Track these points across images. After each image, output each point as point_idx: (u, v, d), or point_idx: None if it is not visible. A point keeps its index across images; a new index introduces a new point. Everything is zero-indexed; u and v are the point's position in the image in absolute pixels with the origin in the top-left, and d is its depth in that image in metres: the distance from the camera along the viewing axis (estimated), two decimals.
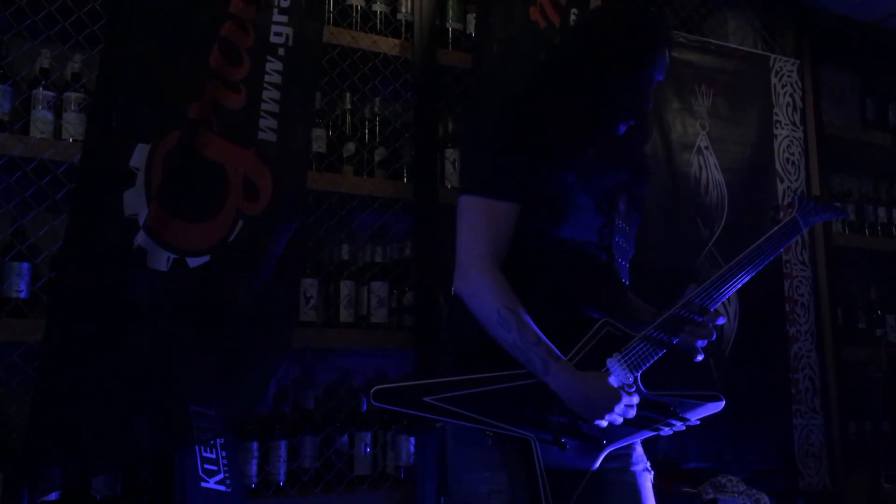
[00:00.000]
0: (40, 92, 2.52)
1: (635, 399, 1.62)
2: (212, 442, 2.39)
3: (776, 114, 3.79)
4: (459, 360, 1.73)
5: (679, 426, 1.73)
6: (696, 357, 1.70)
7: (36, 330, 2.30)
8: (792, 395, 3.56)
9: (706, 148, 3.58)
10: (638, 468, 1.77)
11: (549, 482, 1.57)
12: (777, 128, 3.78)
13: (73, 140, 2.50)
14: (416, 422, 2.76)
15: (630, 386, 1.65)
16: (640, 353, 1.66)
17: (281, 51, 2.59)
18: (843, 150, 4.15)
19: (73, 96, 2.55)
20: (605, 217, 1.74)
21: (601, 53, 1.71)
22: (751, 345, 3.49)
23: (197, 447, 2.36)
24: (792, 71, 3.87)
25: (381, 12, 3.09)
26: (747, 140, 3.70)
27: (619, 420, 1.61)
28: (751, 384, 3.46)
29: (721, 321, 1.73)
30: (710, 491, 3.00)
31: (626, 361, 1.65)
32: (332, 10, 2.98)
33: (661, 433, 1.74)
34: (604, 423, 1.61)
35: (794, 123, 3.83)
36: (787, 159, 3.78)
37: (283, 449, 2.70)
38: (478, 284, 1.62)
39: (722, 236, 3.51)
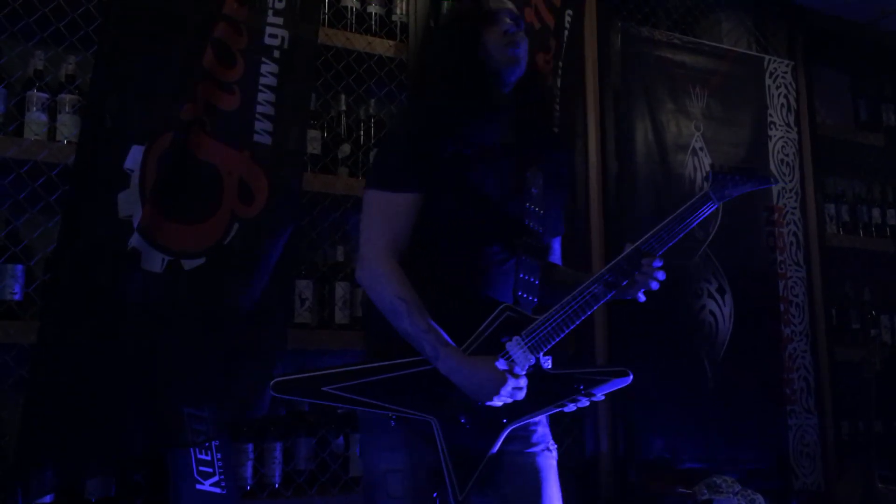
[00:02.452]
0: (34, 94, 2.52)
1: (522, 382, 1.68)
2: (207, 444, 2.39)
3: (770, 115, 3.80)
4: (369, 347, 1.81)
5: (584, 402, 1.76)
6: (640, 298, 1.78)
7: (30, 332, 2.30)
8: (786, 395, 3.57)
9: (701, 149, 3.59)
10: (538, 448, 1.82)
11: (452, 462, 1.65)
12: (771, 129, 3.79)
13: (68, 142, 2.50)
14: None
15: (521, 368, 1.70)
16: (544, 333, 1.71)
17: (276, 53, 2.59)
18: (836, 150, 4.17)
19: (67, 98, 2.55)
20: (510, 200, 1.80)
21: (456, 18, 1.89)
22: (745, 345, 3.50)
23: (192, 449, 2.36)
24: (786, 72, 3.88)
25: (376, 14, 3.09)
26: (742, 141, 3.71)
27: (509, 401, 1.67)
28: (745, 384, 3.47)
29: (658, 264, 1.77)
30: (705, 491, 3.01)
31: (527, 343, 1.71)
32: (327, 11, 2.98)
33: (566, 409, 1.77)
34: (496, 405, 1.67)
35: (788, 124, 3.84)
36: (782, 160, 3.79)
37: (278, 451, 2.70)
38: (375, 275, 1.71)
39: (717, 237, 3.52)
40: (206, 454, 2.40)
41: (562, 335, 1.73)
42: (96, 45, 2.47)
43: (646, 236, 1.78)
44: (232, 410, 2.44)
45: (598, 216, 3.33)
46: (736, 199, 3.60)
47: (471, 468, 1.68)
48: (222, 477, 2.41)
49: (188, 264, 2.38)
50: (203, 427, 2.35)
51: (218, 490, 2.39)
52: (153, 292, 2.33)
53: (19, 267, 2.45)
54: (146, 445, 2.33)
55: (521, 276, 1.80)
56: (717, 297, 3.50)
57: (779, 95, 3.84)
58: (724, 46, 3.83)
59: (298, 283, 2.78)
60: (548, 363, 1.76)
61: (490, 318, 1.71)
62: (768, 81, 3.83)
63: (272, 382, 1.61)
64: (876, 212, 4.27)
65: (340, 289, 2.87)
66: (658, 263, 1.77)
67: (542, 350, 1.72)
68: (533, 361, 1.72)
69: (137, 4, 2.43)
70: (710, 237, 3.52)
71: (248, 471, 2.65)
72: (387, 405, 1.65)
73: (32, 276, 2.49)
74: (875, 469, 3.34)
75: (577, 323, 1.74)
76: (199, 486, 2.35)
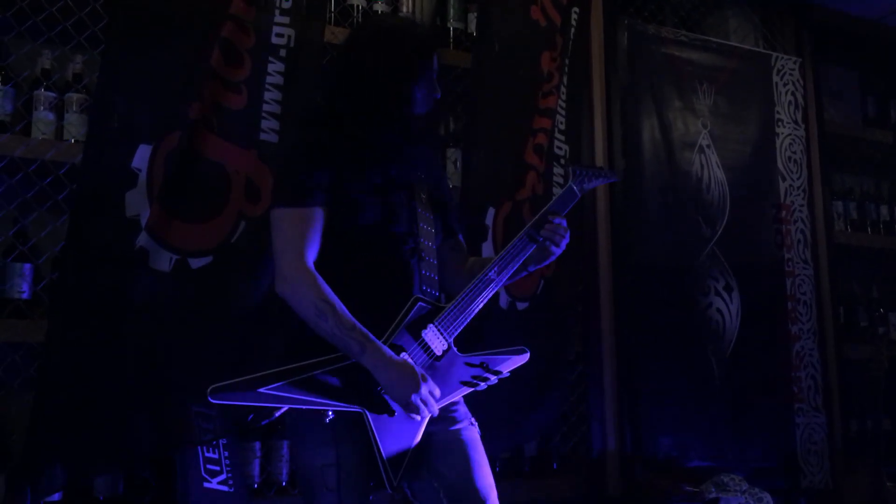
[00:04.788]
0: (42, 93, 2.52)
1: (436, 390, 1.80)
2: (214, 442, 2.40)
3: (778, 112, 3.79)
4: (289, 353, 1.86)
5: (493, 380, 1.92)
6: (554, 249, 1.97)
7: (38, 331, 2.30)
8: (794, 393, 3.57)
9: (708, 146, 3.58)
10: (463, 424, 1.94)
11: (384, 450, 1.74)
12: (779, 126, 3.78)
13: (75, 141, 2.50)
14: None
15: (442, 350, 1.85)
16: (452, 318, 1.87)
17: (282, 52, 2.59)
18: (844, 147, 4.16)
19: (74, 97, 2.55)
20: (405, 207, 1.93)
21: (379, 66, 1.89)
22: (753, 343, 3.50)
23: (199, 447, 2.36)
24: (793, 69, 3.87)
25: (382, 12, 3.08)
26: (749, 138, 3.70)
27: (422, 405, 1.76)
28: (753, 383, 3.47)
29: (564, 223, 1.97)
30: (713, 489, 3.00)
31: (440, 328, 1.86)
32: (333, 9, 2.98)
33: (479, 388, 1.92)
34: (416, 414, 1.76)
35: (795, 121, 3.83)
36: (790, 157, 3.78)
37: (285, 448, 2.70)
38: (295, 285, 1.79)
39: (724, 235, 3.52)
40: (214, 452, 2.40)
41: (469, 318, 1.89)
42: (103, 44, 2.48)
43: (528, 225, 1.98)
44: (240, 408, 2.44)
45: (604, 213, 3.33)
46: (743, 196, 3.61)
47: (402, 454, 1.78)
48: (230, 475, 2.42)
49: (195, 263, 2.38)
50: (211, 425, 2.36)
51: (225, 488, 2.39)
52: (161, 291, 2.33)
53: (27, 266, 2.46)
54: (154, 444, 2.33)
55: (424, 272, 1.92)
56: (725, 294, 3.49)
57: (786, 93, 3.83)
58: (732, 44, 3.82)
59: None
60: (455, 349, 1.90)
61: (405, 309, 1.84)
62: (776, 79, 3.82)
63: (209, 389, 1.65)
64: (884, 209, 4.26)
65: None
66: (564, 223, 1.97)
67: (453, 334, 1.87)
68: (446, 346, 1.86)
69: (144, 4, 2.43)
70: (718, 235, 3.51)
71: (256, 469, 2.65)
72: (320, 400, 1.72)
73: (40, 275, 2.50)
74: (883, 467, 3.33)
75: (482, 304, 1.91)
76: (206, 485, 2.36)
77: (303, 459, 1.85)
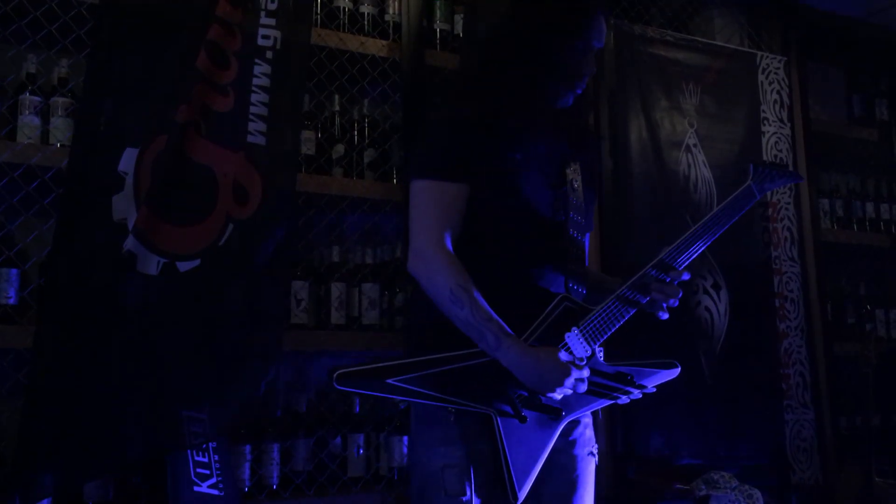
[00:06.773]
0: (27, 97, 2.51)
1: (585, 373, 1.66)
2: (204, 446, 2.39)
3: (763, 111, 3.81)
4: (416, 341, 1.76)
5: (636, 394, 1.77)
6: (661, 315, 1.76)
7: (25, 336, 2.29)
8: (783, 390, 3.58)
9: (695, 146, 3.59)
10: (583, 451, 1.82)
11: (510, 457, 1.62)
12: (765, 125, 3.80)
13: (61, 145, 2.49)
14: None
15: (581, 360, 1.69)
16: (599, 324, 1.70)
17: (269, 53, 2.59)
18: (830, 145, 4.18)
19: (60, 101, 2.54)
20: (555, 192, 1.79)
21: (539, 26, 1.74)
22: (741, 341, 3.51)
23: (189, 451, 2.36)
24: (779, 68, 3.89)
25: (368, 14, 3.08)
26: (735, 137, 3.71)
27: (570, 392, 1.65)
28: (742, 380, 3.47)
29: (686, 277, 1.78)
30: (703, 487, 3.01)
31: (584, 334, 1.70)
32: (319, 11, 2.98)
33: (619, 402, 1.78)
34: (557, 397, 1.65)
35: (781, 120, 3.85)
36: (776, 156, 3.79)
37: (275, 452, 2.70)
38: (431, 265, 1.65)
39: None
40: (203, 456, 2.39)
41: (615, 327, 1.73)
42: (89, 47, 2.47)
43: (682, 237, 1.84)
44: (230, 411, 2.44)
45: (593, 214, 3.33)
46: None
47: (529, 464, 1.65)
48: (220, 478, 2.41)
49: (183, 266, 2.38)
50: (200, 429, 2.35)
51: (215, 492, 2.38)
52: (149, 295, 2.32)
53: (14, 271, 2.44)
54: (144, 448, 2.32)
55: (571, 268, 1.78)
56: (713, 293, 3.50)
57: (771, 91, 3.85)
58: (717, 43, 3.84)
59: (294, 284, 2.78)
60: (600, 355, 1.74)
61: (549, 308, 1.69)
62: (761, 77, 3.83)
63: (335, 374, 1.53)
64: (870, 206, 4.28)
65: (336, 289, 2.87)
66: (686, 277, 1.79)
67: (597, 341, 1.71)
68: (589, 353, 1.70)
69: (130, 7, 2.42)
70: None
71: (246, 472, 2.64)
72: (448, 397, 1.61)
73: (27, 280, 2.48)
74: (873, 463, 3.35)
75: (628, 316, 1.74)
76: (196, 489, 2.35)
77: (421, 459, 1.70)
